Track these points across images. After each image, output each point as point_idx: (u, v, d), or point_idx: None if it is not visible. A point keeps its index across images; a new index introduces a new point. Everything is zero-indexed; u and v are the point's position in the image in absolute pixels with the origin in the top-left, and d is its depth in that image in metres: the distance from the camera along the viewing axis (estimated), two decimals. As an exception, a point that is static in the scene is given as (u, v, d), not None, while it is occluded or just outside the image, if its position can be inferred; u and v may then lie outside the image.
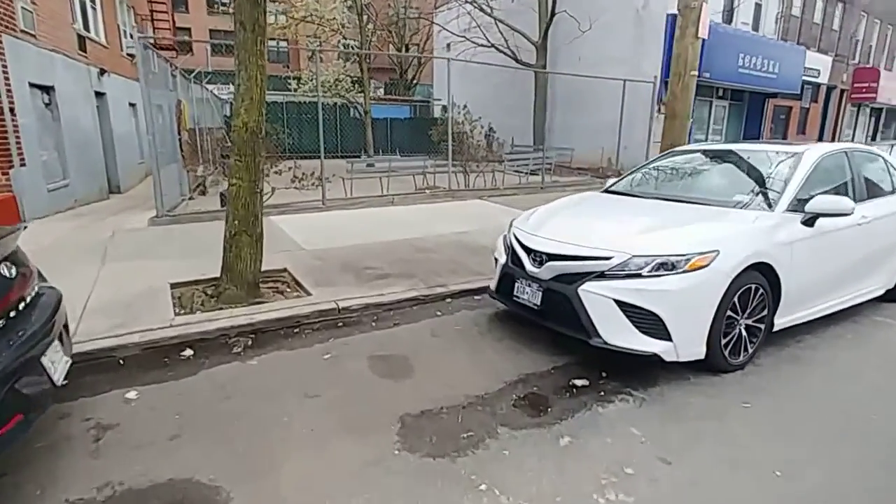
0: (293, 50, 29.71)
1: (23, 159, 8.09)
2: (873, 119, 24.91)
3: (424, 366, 3.55)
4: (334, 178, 9.57)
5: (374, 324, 4.33)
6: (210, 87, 18.42)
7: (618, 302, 3.16)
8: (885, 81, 21.31)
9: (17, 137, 8.03)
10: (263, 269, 5.02)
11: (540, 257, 3.56)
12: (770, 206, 3.65)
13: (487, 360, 3.64)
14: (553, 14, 15.20)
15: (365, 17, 17.83)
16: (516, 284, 3.75)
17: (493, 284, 4.24)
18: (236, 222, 4.49)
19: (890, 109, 25.18)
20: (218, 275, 4.70)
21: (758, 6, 15.52)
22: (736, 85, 14.01)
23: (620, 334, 3.19)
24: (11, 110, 7.83)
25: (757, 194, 3.84)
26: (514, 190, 11.77)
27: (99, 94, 12.56)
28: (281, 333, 4.09)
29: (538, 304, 3.54)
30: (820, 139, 20.81)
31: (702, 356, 3.25)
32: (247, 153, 4.39)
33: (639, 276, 3.16)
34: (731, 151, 4.54)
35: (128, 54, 15.14)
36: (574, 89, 14.07)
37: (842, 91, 21.10)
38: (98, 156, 11.97)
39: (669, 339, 3.13)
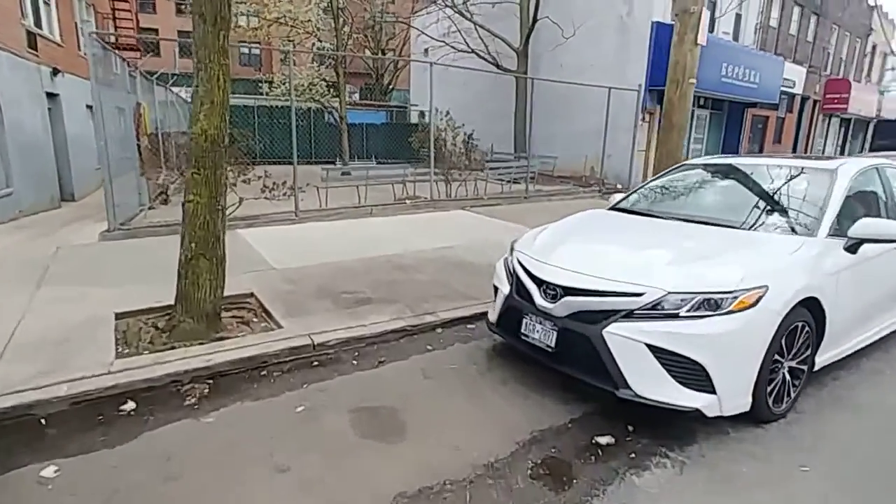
0: (265, 52, 28.83)
1: (-46, 166, 7.22)
2: (843, 129, 25.43)
3: (419, 421, 2.97)
4: (308, 187, 8.90)
5: (355, 362, 3.73)
6: (176, 89, 17.49)
7: (651, 347, 2.66)
8: (855, 92, 21.72)
9: (-52, 142, 7.17)
10: (226, 293, 4.38)
11: (554, 290, 3.04)
12: (810, 230, 3.21)
13: (493, 411, 3.08)
14: (535, 20, 14.86)
15: (341, 20, 17.19)
16: (524, 321, 3.22)
17: (492, 316, 3.70)
18: (193, 245, 3.84)
19: (858, 120, 25.76)
20: (174, 302, 4.04)
21: (738, 16, 15.51)
22: (718, 94, 13.90)
23: (654, 385, 2.69)
24: (-60, 111, 6.97)
25: (792, 216, 3.41)
26: (497, 199, 11.29)
27: (51, 96, 11.64)
28: (245, 377, 3.46)
29: (552, 346, 3.01)
30: (794, 149, 21.05)
31: (747, 408, 2.77)
32: (206, 165, 3.75)
33: (676, 316, 2.66)
34: (752, 166, 4.12)
35: (85, 54, 14.17)
36: (556, 96, 13.71)
37: (815, 101, 21.41)
38: (49, 161, 11.04)
39: (713, 391, 2.64)
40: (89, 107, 14.09)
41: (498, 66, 15.63)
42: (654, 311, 2.71)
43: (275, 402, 3.16)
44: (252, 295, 4.83)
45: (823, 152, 23.02)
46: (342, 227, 8.34)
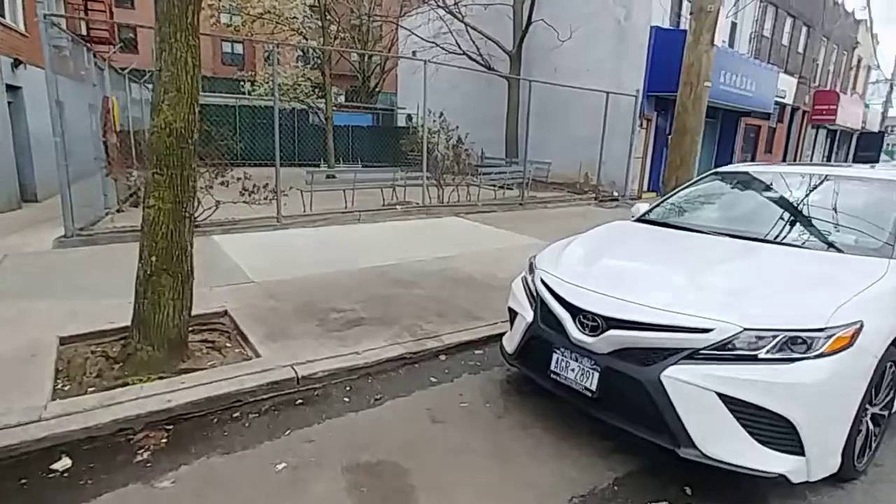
0: (248, 50, 28.05)
1: None
2: (828, 141, 25.59)
3: (430, 482, 2.39)
4: (291, 190, 8.28)
5: (347, 400, 3.14)
6: (152, 86, 16.66)
7: (724, 398, 2.13)
8: (842, 104, 21.77)
9: None
10: (196, 311, 3.78)
11: (594, 321, 2.50)
12: (888, 251, 2.73)
13: (518, 468, 2.52)
14: (529, 23, 14.43)
15: (327, 19, 16.56)
16: (554, 356, 2.67)
17: (510, 345, 3.15)
18: (154, 258, 3.22)
19: (843, 132, 25.97)
20: (130, 324, 3.41)
21: (734, 24, 15.30)
22: (716, 101, 13.57)
23: (727, 444, 2.16)
24: None
25: (863, 235, 2.93)
26: (491, 206, 10.78)
27: (13, 89, 10.78)
28: (213, 422, 2.84)
29: (592, 389, 2.47)
30: (784, 159, 21.00)
31: (836, 469, 2.26)
32: (171, 164, 3.14)
33: (754, 359, 2.14)
34: (798, 175, 3.65)
35: (53, 45, 13.31)
36: (550, 102, 13.27)
37: (804, 112, 21.41)
38: (7, 160, 10.17)
39: (801, 452, 2.12)
40: (58, 102, 13.29)
41: (490, 70, 15.16)
42: (726, 352, 2.18)
43: (249, 457, 2.55)
44: (226, 314, 4.21)
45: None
46: (329, 234, 7.72)
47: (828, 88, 22.35)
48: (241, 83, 19.05)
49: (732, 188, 3.85)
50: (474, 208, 10.28)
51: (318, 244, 7.00)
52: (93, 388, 2.98)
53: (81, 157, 8.72)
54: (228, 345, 3.75)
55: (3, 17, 10.68)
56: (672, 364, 2.24)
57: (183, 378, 3.09)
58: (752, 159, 18.65)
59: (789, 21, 18.70)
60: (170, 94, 3.02)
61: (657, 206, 3.93)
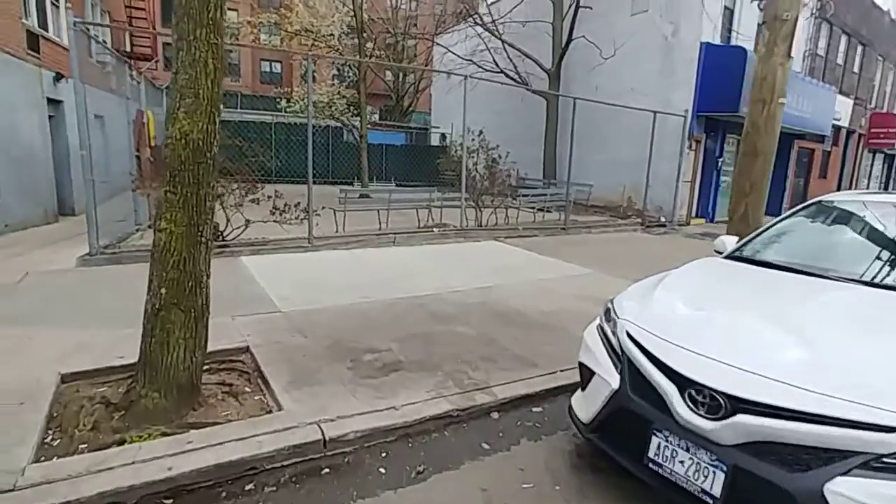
0: (286, 69, 28.46)
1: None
2: (886, 166, 24.12)
3: None
4: (324, 210, 7.90)
5: (383, 471, 2.59)
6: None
7: (927, 530, 1.49)
8: (901, 128, 20.48)
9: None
10: (215, 346, 3.35)
11: (713, 399, 1.89)
12: None
13: (607, 592, 1.92)
14: (570, 40, 13.96)
15: (364, 36, 16.50)
16: (654, 440, 2.06)
17: (584, 412, 2.54)
18: (163, 291, 2.77)
19: (901, 156, 24.47)
20: (137, 365, 2.95)
21: (788, 42, 14.51)
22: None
23: None
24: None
25: None
26: (532, 230, 10.19)
27: (54, 102, 10.86)
28: (221, 495, 2.33)
29: (715, 495, 1.85)
30: (839, 185, 19.77)
31: None
32: (186, 181, 2.70)
33: (972, 476, 1.50)
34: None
35: (97, 61, 13.51)
36: (590, 121, 12.66)
37: (860, 135, 20.21)
38: (45, 172, 10.16)
39: None
40: (98, 116, 13.39)
41: (529, 88, 14.70)
42: (923, 462, 1.55)
43: (261, 555, 2.02)
44: (247, 350, 3.74)
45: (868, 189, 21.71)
46: (362, 256, 7.27)
47: (884, 111, 21.09)
48: (278, 101, 19.16)
49: (852, 221, 3.18)
50: (514, 232, 9.71)
51: (351, 268, 6.54)
52: (84, 445, 2.51)
53: (120, 171, 8.60)
54: (248, 389, 3.26)
55: (47, 30, 10.80)
56: (840, 473, 1.61)
57: (190, 436, 2.59)
58: (806, 184, 17.59)
59: (844, 39, 17.73)
60: (187, 101, 2.59)
61: (752, 239, 3.29)
